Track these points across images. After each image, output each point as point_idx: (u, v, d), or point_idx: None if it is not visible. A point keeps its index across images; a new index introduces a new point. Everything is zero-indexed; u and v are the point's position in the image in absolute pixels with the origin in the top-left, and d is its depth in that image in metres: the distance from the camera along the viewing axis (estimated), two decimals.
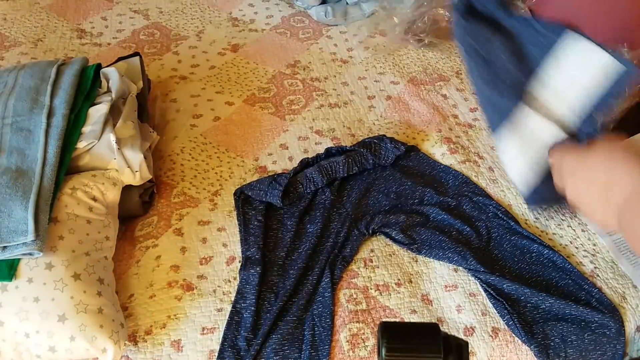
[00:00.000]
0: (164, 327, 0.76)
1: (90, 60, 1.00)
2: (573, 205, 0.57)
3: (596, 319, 0.79)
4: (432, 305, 0.82)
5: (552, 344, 0.77)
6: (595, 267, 0.87)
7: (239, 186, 0.94)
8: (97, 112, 0.88)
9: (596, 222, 0.58)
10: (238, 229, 0.88)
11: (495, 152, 1.06)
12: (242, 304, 0.78)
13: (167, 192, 0.94)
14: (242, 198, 0.92)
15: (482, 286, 0.84)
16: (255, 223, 0.88)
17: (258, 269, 0.81)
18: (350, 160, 0.96)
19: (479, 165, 1.02)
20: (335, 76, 1.24)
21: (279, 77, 1.22)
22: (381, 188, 0.96)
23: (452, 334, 0.43)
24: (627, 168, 0.51)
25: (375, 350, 0.75)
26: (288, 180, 0.91)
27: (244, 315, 0.77)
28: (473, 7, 0.71)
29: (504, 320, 0.80)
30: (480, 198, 0.95)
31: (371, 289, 0.83)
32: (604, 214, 0.53)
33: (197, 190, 0.95)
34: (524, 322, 0.79)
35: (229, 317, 0.77)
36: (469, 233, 0.89)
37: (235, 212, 0.91)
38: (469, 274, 0.85)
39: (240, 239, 0.87)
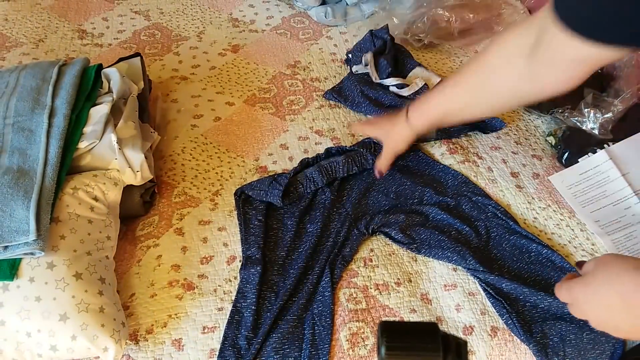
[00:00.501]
0: (165, 326, 0.77)
1: (92, 61, 1.00)
2: (602, 329, 0.58)
3: None
4: (431, 305, 0.82)
5: (550, 343, 0.78)
6: None
7: (240, 186, 0.94)
8: (98, 112, 0.88)
9: (629, 338, 0.62)
10: (239, 229, 0.89)
11: (495, 152, 1.06)
12: (243, 303, 0.79)
13: (168, 192, 0.95)
14: (243, 198, 0.92)
15: (481, 285, 0.84)
16: (256, 223, 0.88)
17: (258, 268, 0.81)
18: (350, 160, 0.96)
19: (478, 166, 1.03)
20: (335, 76, 1.24)
21: (279, 78, 1.23)
22: (381, 188, 0.97)
23: (452, 333, 0.43)
24: (633, 281, 0.52)
25: (375, 349, 0.76)
26: (288, 180, 0.92)
27: (245, 315, 0.77)
28: None
29: (502, 320, 0.80)
30: (480, 198, 0.95)
31: (371, 288, 0.83)
32: (634, 332, 0.54)
33: (198, 190, 0.96)
34: (522, 321, 0.79)
35: (229, 316, 0.78)
36: (468, 233, 0.89)
37: (235, 212, 0.92)
38: (468, 274, 0.86)
39: (241, 239, 0.87)
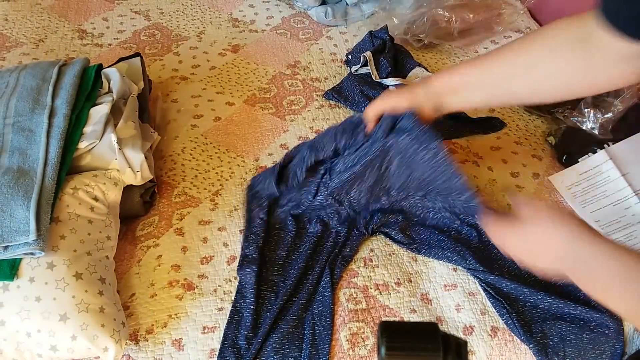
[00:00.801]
0: (165, 326, 0.77)
1: (92, 61, 1.00)
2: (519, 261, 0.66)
3: (595, 318, 0.79)
4: (431, 305, 0.82)
5: (550, 343, 0.78)
6: None
7: (249, 180, 0.94)
8: (98, 112, 0.88)
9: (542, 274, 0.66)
10: (245, 225, 0.88)
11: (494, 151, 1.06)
12: (242, 303, 0.79)
13: (168, 192, 0.95)
14: (251, 193, 0.91)
15: (481, 285, 0.84)
16: (258, 221, 0.88)
17: (254, 267, 0.81)
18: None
19: (479, 165, 1.03)
20: (335, 76, 1.24)
21: (279, 78, 1.23)
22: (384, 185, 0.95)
23: (452, 333, 0.43)
24: (564, 248, 0.59)
25: (375, 349, 0.76)
26: (283, 165, 0.91)
27: (244, 315, 0.77)
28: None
29: (502, 320, 0.80)
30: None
31: (371, 288, 0.83)
32: (547, 269, 0.62)
33: (198, 190, 0.96)
34: (522, 321, 0.79)
35: (229, 316, 0.78)
36: (468, 232, 0.89)
37: (235, 212, 0.92)
38: (468, 274, 0.86)
39: (243, 236, 0.87)
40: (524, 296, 0.82)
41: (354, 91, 1.15)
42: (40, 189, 0.75)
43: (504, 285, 0.82)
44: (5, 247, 0.69)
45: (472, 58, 0.76)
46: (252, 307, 0.78)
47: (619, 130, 1.02)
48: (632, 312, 0.54)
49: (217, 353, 0.74)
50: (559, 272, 0.60)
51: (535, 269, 0.63)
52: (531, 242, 0.63)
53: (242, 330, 0.76)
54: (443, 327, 0.79)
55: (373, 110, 0.83)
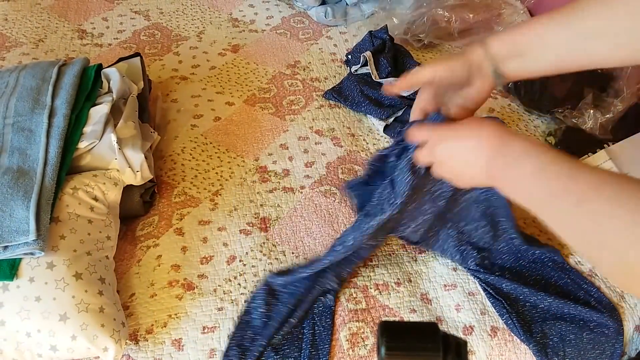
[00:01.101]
0: (165, 326, 0.77)
1: (91, 61, 1.00)
2: (440, 175, 0.61)
3: (595, 318, 0.79)
4: (431, 305, 0.82)
5: (550, 343, 0.78)
6: (593, 267, 0.87)
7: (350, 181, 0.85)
8: (98, 112, 0.88)
9: (464, 184, 0.60)
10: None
11: None
12: (252, 304, 0.78)
13: (168, 192, 0.95)
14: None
15: (481, 285, 0.84)
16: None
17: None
18: None
19: None
20: (335, 76, 1.24)
21: (279, 78, 1.23)
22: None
23: (452, 333, 0.43)
24: (490, 129, 0.54)
25: (375, 349, 0.76)
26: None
27: (253, 316, 0.77)
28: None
29: (502, 319, 0.80)
30: None
31: (371, 288, 0.83)
32: (472, 171, 0.57)
33: (198, 190, 0.96)
34: (522, 321, 0.79)
35: (239, 316, 0.77)
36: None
37: (234, 213, 0.92)
38: (468, 273, 0.86)
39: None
40: (524, 296, 0.82)
41: (353, 91, 1.15)
42: (40, 189, 0.75)
43: (503, 285, 0.82)
44: (5, 247, 0.69)
45: (540, 15, 0.62)
46: (262, 309, 0.77)
47: (619, 130, 1.02)
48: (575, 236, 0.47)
49: (217, 353, 0.74)
50: (489, 176, 0.54)
51: (463, 177, 0.59)
52: (461, 138, 0.57)
53: (249, 331, 0.76)
54: (443, 327, 0.79)
55: (414, 86, 0.71)
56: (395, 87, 0.70)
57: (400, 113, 1.12)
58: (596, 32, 0.58)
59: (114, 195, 0.84)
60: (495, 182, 0.54)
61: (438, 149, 0.61)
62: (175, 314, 0.78)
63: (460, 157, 0.58)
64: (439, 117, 0.66)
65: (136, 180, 0.86)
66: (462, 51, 0.66)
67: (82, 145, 0.84)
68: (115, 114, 0.91)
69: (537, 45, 0.61)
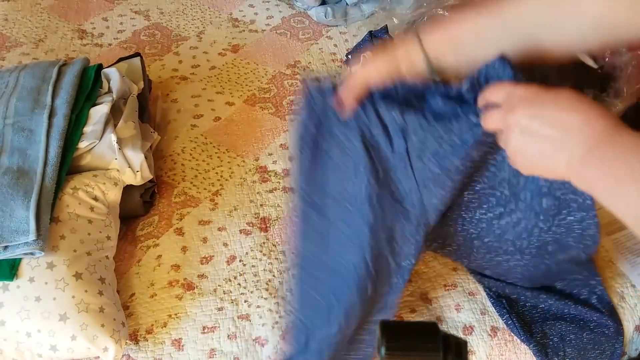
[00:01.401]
0: (165, 326, 0.77)
1: (91, 61, 1.00)
2: (507, 148, 0.49)
3: (595, 318, 0.79)
4: (431, 304, 0.82)
5: (550, 343, 0.78)
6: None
7: None
8: (98, 112, 0.88)
9: (537, 171, 0.48)
10: None
11: None
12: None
13: (168, 192, 0.95)
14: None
15: (482, 285, 0.84)
16: None
17: None
18: None
19: None
20: (335, 76, 1.24)
21: (279, 78, 1.23)
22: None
23: (452, 333, 0.43)
24: (597, 112, 0.44)
25: (375, 348, 0.76)
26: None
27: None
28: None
29: (502, 319, 0.80)
30: None
31: None
32: (553, 159, 0.45)
33: (198, 190, 0.96)
34: (522, 321, 0.79)
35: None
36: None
37: (234, 213, 0.92)
38: (468, 273, 0.86)
39: None
40: (524, 296, 0.82)
41: None
42: (40, 189, 0.75)
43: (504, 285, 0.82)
44: (5, 247, 0.70)
45: (475, 7, 0.57)
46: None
47: None
48: None
49: (217, 353, 0.74)
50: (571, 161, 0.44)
51: (538, 160, 0.47)
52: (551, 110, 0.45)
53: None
54: (443, 327, 0.79)
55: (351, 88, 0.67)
56: (343, 104, 0.67)
57: None
58: (536, 23, 0.54)
59: (114, 195, 0.84)
60: (580, 178, 0.45)
61: (518, 113, 0.47)
62: (175, 314, 0.78)
63: (548, 131, 0.45)
64: (507, 71, 0.52)
65: (136, 180, 0.86)
66: (393, 45, 0.62)
67: (82, 145, 0.84)
68: (115, 114, 0.91)
69: (474, 39, 0.57)
